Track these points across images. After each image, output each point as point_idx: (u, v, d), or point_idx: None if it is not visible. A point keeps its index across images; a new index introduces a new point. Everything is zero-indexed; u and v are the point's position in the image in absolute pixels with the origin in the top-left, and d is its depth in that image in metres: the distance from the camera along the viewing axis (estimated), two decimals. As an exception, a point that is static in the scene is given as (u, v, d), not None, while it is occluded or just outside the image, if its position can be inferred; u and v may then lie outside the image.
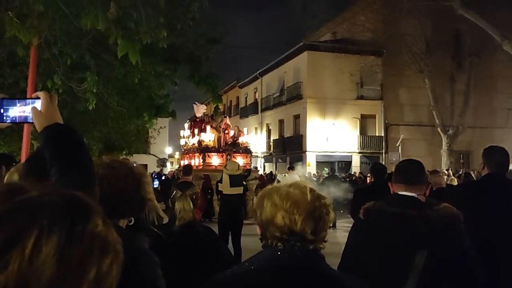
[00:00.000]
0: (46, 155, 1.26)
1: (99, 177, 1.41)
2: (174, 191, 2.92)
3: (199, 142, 16.48)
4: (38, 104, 1.34)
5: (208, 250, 2.67)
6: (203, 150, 16.05)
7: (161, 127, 21.82)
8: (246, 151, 17.08)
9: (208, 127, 16.38)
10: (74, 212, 0.62)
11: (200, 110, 17.61)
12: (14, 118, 1.39)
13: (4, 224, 0.57)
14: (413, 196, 2.21)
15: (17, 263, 0.55)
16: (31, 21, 3.90)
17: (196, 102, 17.55)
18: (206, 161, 15.83)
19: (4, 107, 1.38)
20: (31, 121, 1.36)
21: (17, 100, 1.40)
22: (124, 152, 18.05)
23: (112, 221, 0.69)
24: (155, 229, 2.76)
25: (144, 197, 1.55)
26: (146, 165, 29.11)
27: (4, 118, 1.38)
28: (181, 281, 2.24)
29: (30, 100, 1.37)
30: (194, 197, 2.92)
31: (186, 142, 18.19)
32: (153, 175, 21.81)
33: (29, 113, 1.36)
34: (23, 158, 5.08)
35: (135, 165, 1.69)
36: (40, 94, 1.35)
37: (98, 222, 0.64)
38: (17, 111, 1.38)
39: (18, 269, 0.54)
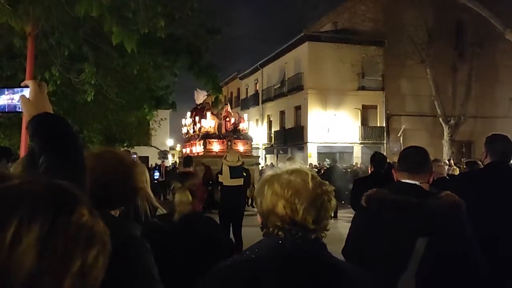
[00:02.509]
0: (34, 144, 1.23)
1: (89, 168, 1.40)
2: (174, 183, 2.90)
3: (200, 128, 16.47)
4: (27, 92, 1.31)
5: (207, 242, 2.66)
6: (203, 136, 16.04)
7: (162, 119, 21.81)
8: (247, 137, 17.08)
9: (208, 114, 16.36)
10: (58, 202, 0.60)
11: (200, 97, 17.60)
12: (3, 107, 1.37)
13: None
14: (415, 184, 2.20)
15: None
16: (24, 7, 3.86)
17: (198, 89, 17.53)
18: (207, 148, 15.82)
19: None
20: (20, 110, 1.33)
21: (5, 89, 1.38)
22: (125, 144, 18.06)
23: (104, 210, 0.66)
24: (156, 220, 2.77)
25: (135, 186, 1.54)
26: (147, 157, 29.20)
27: None
28: (180, 273, 2.23)
29: (19, 88, 1.35)
30: (193, 188, 2.90)
31: (188, 130, 18.20)
32: (156, 167, 21.88)
33: (18, 101, 1.34)
34: (22, 150, 5.07)
35: (135, 157, 1.67)
36: (28, 82, 1.33)
37: (84, 212, 0.61)
38: (5, 99, 1.36)
39: None
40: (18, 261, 0.53)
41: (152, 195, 1.73)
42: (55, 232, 0.57)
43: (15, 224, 0.55)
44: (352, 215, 2.57)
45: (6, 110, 1.38)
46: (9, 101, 1.36)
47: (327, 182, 1.39)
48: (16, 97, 1.35)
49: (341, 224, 9.67)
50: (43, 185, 0.62)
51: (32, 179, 0.62)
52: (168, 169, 22.70)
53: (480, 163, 5.33)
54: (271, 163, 26.07)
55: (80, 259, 0.58)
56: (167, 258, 2.38)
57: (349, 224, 2.42)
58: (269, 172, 1.43)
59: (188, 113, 18.75)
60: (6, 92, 1.37)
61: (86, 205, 0.63)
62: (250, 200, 13.64)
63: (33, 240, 0.55)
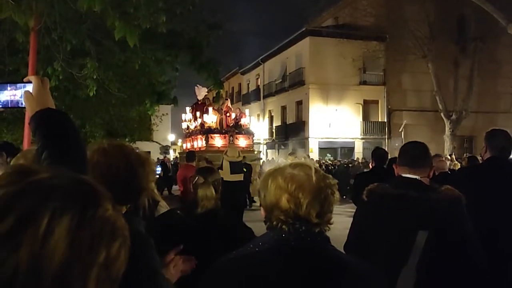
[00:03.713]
0: (37, 139, 1.25)
1: (92, 164, 1.39)
2: (196, 177, 2.89)
3: (202, 124, 16.50)
4: (30, 88, 1.32)
5: (229, 238, 2.66)
6: (206, 131, 16.07)
7: (163, 114, 21.83)
8: (248, 132, 17.10)
9: (210, 109, 16.38)
10: (86, 196, 0.62)
11: (201, 92, 17.60)
12: (5, 103, 1.38)
13: (16, 205, 0.57)
14: (416, 178, 2.22)
15: (29, 245, 0.55)
16: (27, 2, 3.87)
17: (198, 85, 17.54)
18: (209, 143, 15.85)
19: None
20: (22, 105, 1.34)
21: (8, 84, 1.38)
22: (126, 139, 18.09)
23: None
24: (179, 212, 2.78)
25: (140, 187, 1.49)
26: (149, 152, 29.30)
27: None
28: (199, 267, 2.24)
29: (22, 84, 1.36)
30: (216, 183, 2.90)
31: (188, 126, 18.25)
32: (159, 161, 21.99)
33: (21, 97, 1.34)
34: (25, 145, 5.09)
35: (137, 150, 1.62)
36: (31, 78, 1.34)
37: (108, 207, 0.64)
38: (8, 95, 1.37)
39: (30, 251, 0.55)
40: (51, 251, 0.55)
41: (156, 190, 1.72)
42: (83, 225, 0.59)
43: (48, 216, 0.57)
44: (353, 210, 2.59)
45: (9, 106, 1.39)
46: (12, 97, 1.36)
47: (330, 176, 1.40)
48: (19, 92, 1.35)
49: (342, 219, 9.69)
50: (71, 179, 0.64)
51: (59, 173, 0.64)
52: (173, 163, 22.81)
53: (480, 158, 5.34)
54: (272, 158, 26.06)
55: (105, 251, 0.60)
56: (187, 251, 2.40)
57: (350, 219, 2.44)
58: (270, 167, 1.44)
59: (188, 109, 18.77)
60: (8, 88, 1.37)
61: (110, 200, 0.66)
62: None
63: (64, 232, 0.57)
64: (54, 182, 0.61)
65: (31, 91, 1.31)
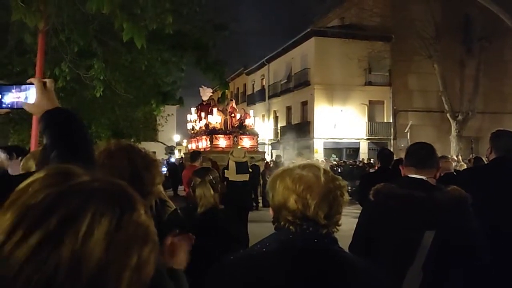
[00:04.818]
0: (46, 139, 1.26)
1: (98, 165, 1.39)
2: (194, 179, 2.91)
3: (206, 124, 16.54)
4: (33, 90, 1.34)
5: (228, 237, 2.66)
6: (210, 132, 16.11)
7: (168, 115, 21.86)
8: (253, 133, 17.12)
9: (215, 110, 16.42)
10: (123, 200, 0.65)
11: (206, 93, 17.66)
12: (11, 104, 1.39)
13: (59, 206, 0.59)
14: (422, 179, 2.23)
15: (71, 245, 0.57)
16: (37, 5, 3.91)
17: (203, 85, 17.60)
18: (213, 143, 15.89)
19: (1, 93, 1.38)
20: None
21: (13, 87, 1.40)
22: (132, 140, 18.15)
23: None
24: (179, 211, 2.79)
25: (144, 189, 1.44)
26: (154, 153, 29.37)
27: (1, 104, 1.39)
28: (199, 266, 2.25)
29: (26, 86, 1.37)
30: (213, 182, 2.91)
31: (193, 126, 18.31)
32: (164, 162, 22.03)
33: (25, 99, 1.36)
34: (32, 146, 5.13)
35: (143, 151, 1.60)
36: (33, 80, 1.35)
37: (142, 212, 0.66)
38: (13, 97, 1.38)
39: (71, 251, 0.57)
40: (89, 251, 0.57)
41: (163, 190, 1.72)
42: (120, 227, 0.61)
43: (89, 218, 0.59)
44: (358, 211, 2.60)
45: (15, 107, 1.41)
46: (17, 99, 1.38)
47: (340, 177, 1.39)
48: (23, 94, 1.37)
49: (348, 220, 9.68)
50: (110, 183, 0.67)
51: (98, 177, 0.67)
52: (177, 163, 22.87)
53: (486, 159, 5.34)
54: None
55: (137, 254, 0.62)
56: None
57: (356, 220, 2.45)
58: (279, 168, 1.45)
59: (193, 109, 18.83)
60: (13, 90, 1.39)
61: (143, 205, 0.68)
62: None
63: (103, 233, 0.59)
64: (95, 186, 0.64)
65: (34, 92, 1.33)
